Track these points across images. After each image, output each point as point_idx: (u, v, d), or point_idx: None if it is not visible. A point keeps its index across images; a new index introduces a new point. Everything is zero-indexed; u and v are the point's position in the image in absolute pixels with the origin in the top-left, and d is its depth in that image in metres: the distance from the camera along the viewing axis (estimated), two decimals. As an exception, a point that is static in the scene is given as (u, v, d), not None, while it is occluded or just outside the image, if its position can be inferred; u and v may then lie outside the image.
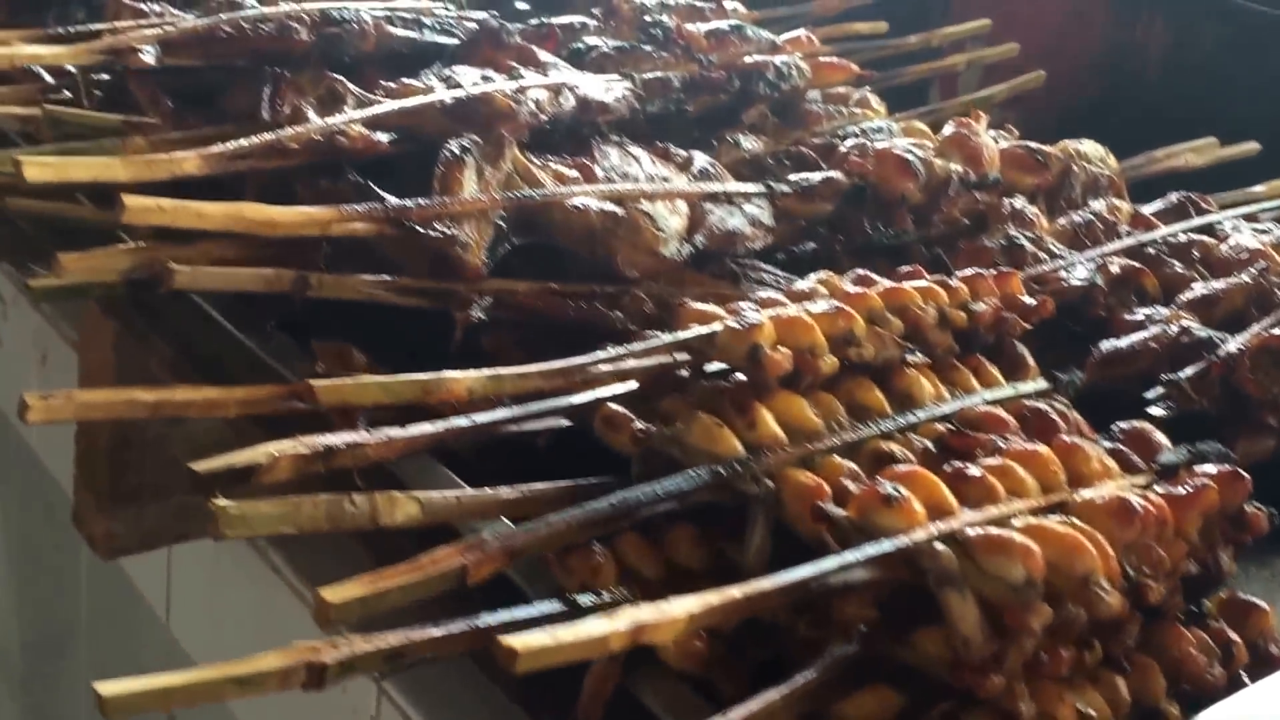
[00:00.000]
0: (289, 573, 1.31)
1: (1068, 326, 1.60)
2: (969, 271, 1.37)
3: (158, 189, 1.38)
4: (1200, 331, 1.49)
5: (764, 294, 1.30)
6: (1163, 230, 1.76)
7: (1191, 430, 1.39)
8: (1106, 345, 1.51)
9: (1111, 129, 2.64)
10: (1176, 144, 2.25)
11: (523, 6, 2.79)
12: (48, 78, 1.77)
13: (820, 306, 1.22)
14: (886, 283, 1.33)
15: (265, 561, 1.35)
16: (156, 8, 1.90)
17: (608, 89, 1.76)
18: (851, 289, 1.28)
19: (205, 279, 1.32)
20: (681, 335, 1.18)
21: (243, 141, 1.44)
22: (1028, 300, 1.38)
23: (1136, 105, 2.68)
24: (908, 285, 1.29)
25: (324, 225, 1.37)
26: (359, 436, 1.03)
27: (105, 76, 1.74)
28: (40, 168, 1.31)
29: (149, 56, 1.65)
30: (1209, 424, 1.43)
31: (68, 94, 1.74)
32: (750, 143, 2.07)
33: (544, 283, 1.46)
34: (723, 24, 2.24)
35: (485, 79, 1.69)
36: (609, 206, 1.51)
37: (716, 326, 1.17)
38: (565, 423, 1.18)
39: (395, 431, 1.06)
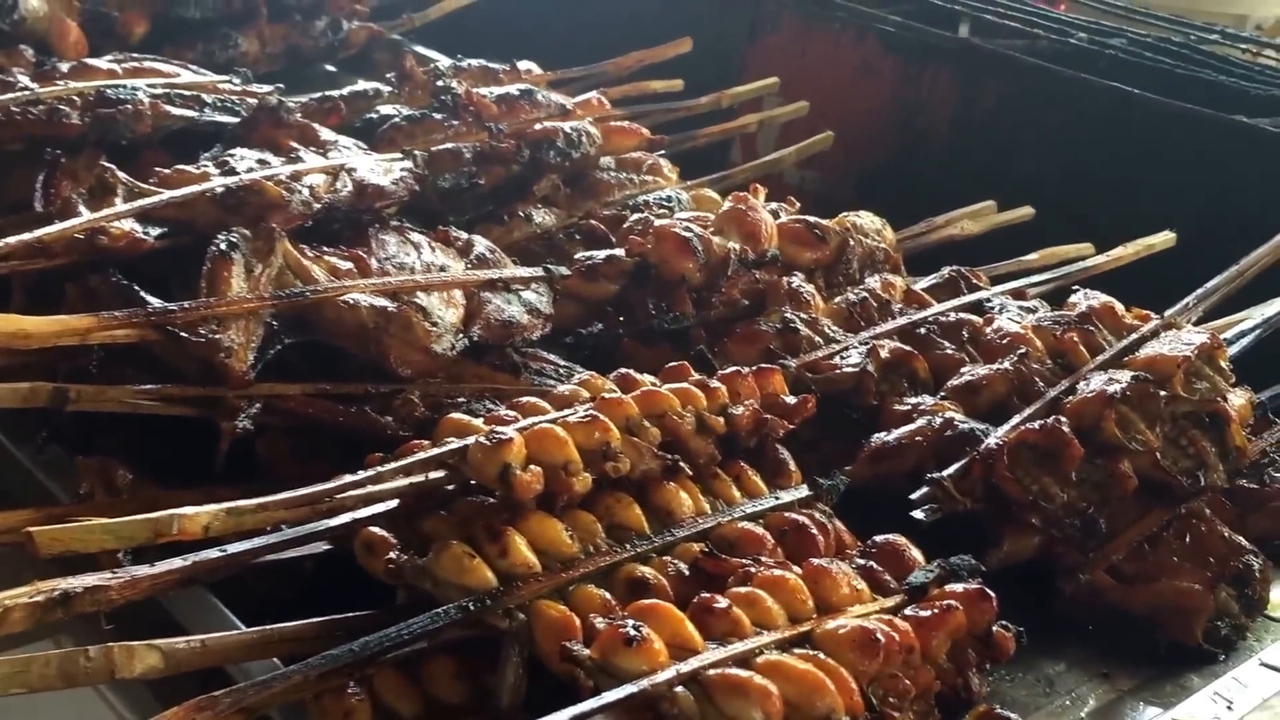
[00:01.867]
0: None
1: (845, 413, 1.64)
2: (729, 370, 1.40)
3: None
4: (964, 424, 1.54)
5: (525, 399, 1.31)
6: (933, 309, 1.81)
7: (961, 527, 1.44)
8: (875, 440, 1.55)
9: (906, 189, 2.72)
10: (964, 205, 2.32)
11: (331, 69, 2.79)
12: None
13: (575, 416, 1.23)
14: (648, 380, 1.35)
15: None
16: None
17: (386, 171, 1.75)
18: (611, 393, 1.30)
19: (-42, 397, 1.28)
20: (434, 452, 1.19)
21: (2, 244, 1.41)
22: (789, 400, 1.41)
23: (928, 164, 2.76)
24: (665, 388, 1.31)
25: (83, 334, 1.34)
26: (99, 579, 1.02)
27: None
28: None
29: (-92, 149, 1.60)
30: (976, 521, 1.47)
31: None
32: (541, 216, 2.09)
33: (317, 384, 1.45)
34: (513, 89, 2.26)
35: (262, 163, 1.68)
36: (381, 302, 1.50)
37: (470, 441, 1.18)
38: (326, 547, 1.17)
39: (140, 570, 1.04)
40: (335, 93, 2.14)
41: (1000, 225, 2.28)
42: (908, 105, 2.83)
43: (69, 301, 1.47)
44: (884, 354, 1.68)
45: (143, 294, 1.42)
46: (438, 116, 2.12)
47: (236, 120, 1.85)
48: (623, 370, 1.38)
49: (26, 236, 1.43)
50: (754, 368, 1.43)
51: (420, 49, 2.92)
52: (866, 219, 2.03)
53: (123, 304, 1.40)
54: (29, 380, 1.34)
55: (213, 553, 1.10)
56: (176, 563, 1.07)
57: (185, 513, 1.05)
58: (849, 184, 2.80)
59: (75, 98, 1.73)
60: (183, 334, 1.37)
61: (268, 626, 1.07)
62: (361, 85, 2.25)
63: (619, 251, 1.85)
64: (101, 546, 1.04)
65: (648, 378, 1.38)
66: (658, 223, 1.84)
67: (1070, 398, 1.57)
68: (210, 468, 1.39)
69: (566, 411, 1.26)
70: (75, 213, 1.51)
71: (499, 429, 1.18)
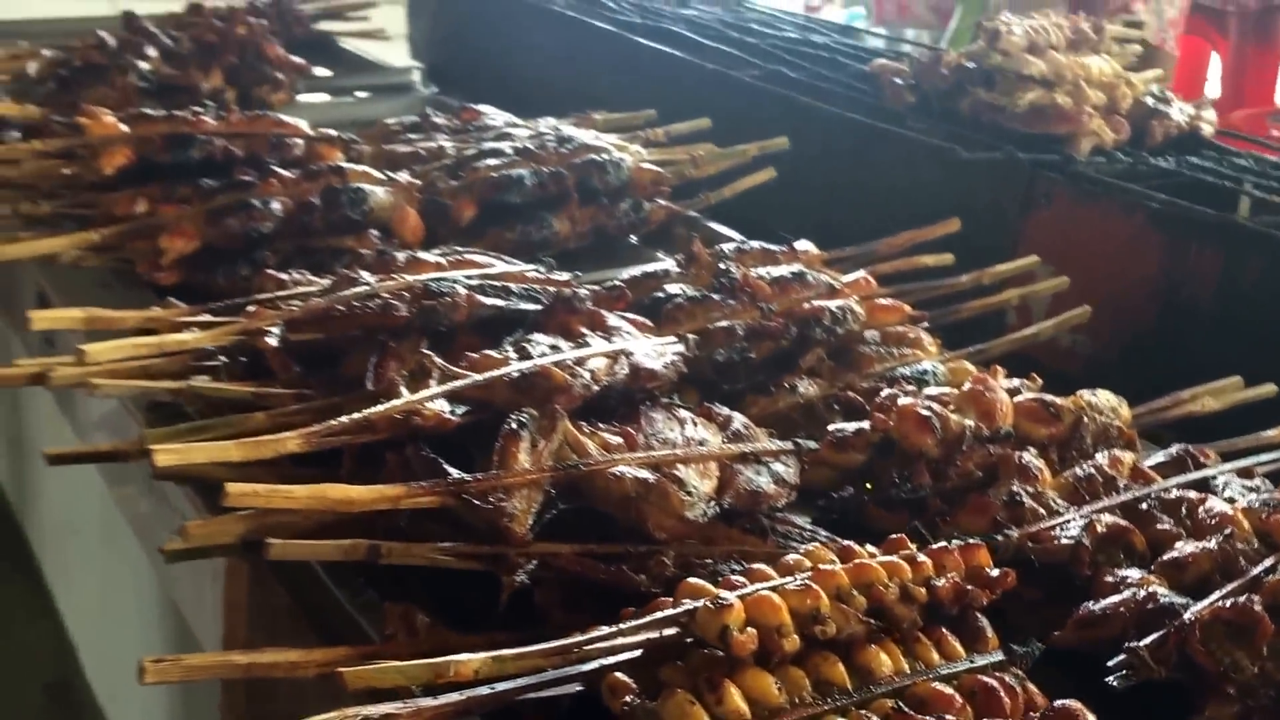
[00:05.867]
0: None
1: (1070, 581, 1.80)
2: (937, 546, 1.59)
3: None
4: (1165, 597, 1.67)
5: (756, 566, 1.53)
6: (1156, 486, 1.95)
7: (1162, 694, 1.57)
8: (1084, 608, 1.71)
9: (1168, 357, 2.82)
10: (1227, 375, 2.43)
11: (634, 241, 3.12)
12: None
13: (793, 584, 1.45)
14: (868, 550, 1.56)
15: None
16: (297, 276, 2.24)
17: (660, 355, 2.02)
18: (828, 565, 1.51)
19: (294, 550, 1.60)
20: (670, 612, 1.43)
21: (335, 421, 1.74)
22: (992, 572, 1.59)
23: (1191, 335, 2.84)
24: (876, 561, 1.51)
25: (394, 500, 1.64)
26: (393, 707, 1.29)
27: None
28: (167, 454, 1.62)
29: (273, 339, 1.97)
30: (1176, 689, 1.61)
31: (223, 358, 2.05)
32: (806, 386, 2.32)
33: (584, 544, 1.71)
34: (786, 271, 2.51)
35: (554, 347, 1.97)
36: (643, 473, 1.76)
37: (699, 604, 1.41)
38: (579, 688, 1.42)
39: (425, 702, 1.31)
40: (626, 275, 2.44)
41: (1244, 402, 2.37)
42: (1173, 278, 2.93)
43: (388, 468, 1.78)
44: (1100, 528, 1.83)
45: (445, 466, 1.71)
46: (716, 296, 2.37)
47: (538, 307, 2.16)
48: (845, 544, 1.59)
49: (356, 416, 1.75)
50: (960, 543, 1.61)
51: (715, 225, 3.22)
52: (1103, 397, 2.18)
53: (429, 474, 1.70)
54: (352, 534, 1.66)
55: (483, 690, 1.36)
56: (454, 696, 1.34)
57: (460, 659, 1.32)
58: (1115, 349, 2.92)
59: (405, 292, 2.06)
60: (474, 501, 1.66)
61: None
62: (652, 266, 2.53)
63: (867, 425, 2.06)
64: (394, 684, 1.31)
65: (869, 548, 1.59)
66: (901, 401, 2.04)
67: (1271, 577, 1.69)
68: (493, 616, 1.66)
69: (787, 579, 1.48)
70: (397, 393, 1.83)
71: (724, 594, 1.41)
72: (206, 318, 2.14)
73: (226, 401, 1.94)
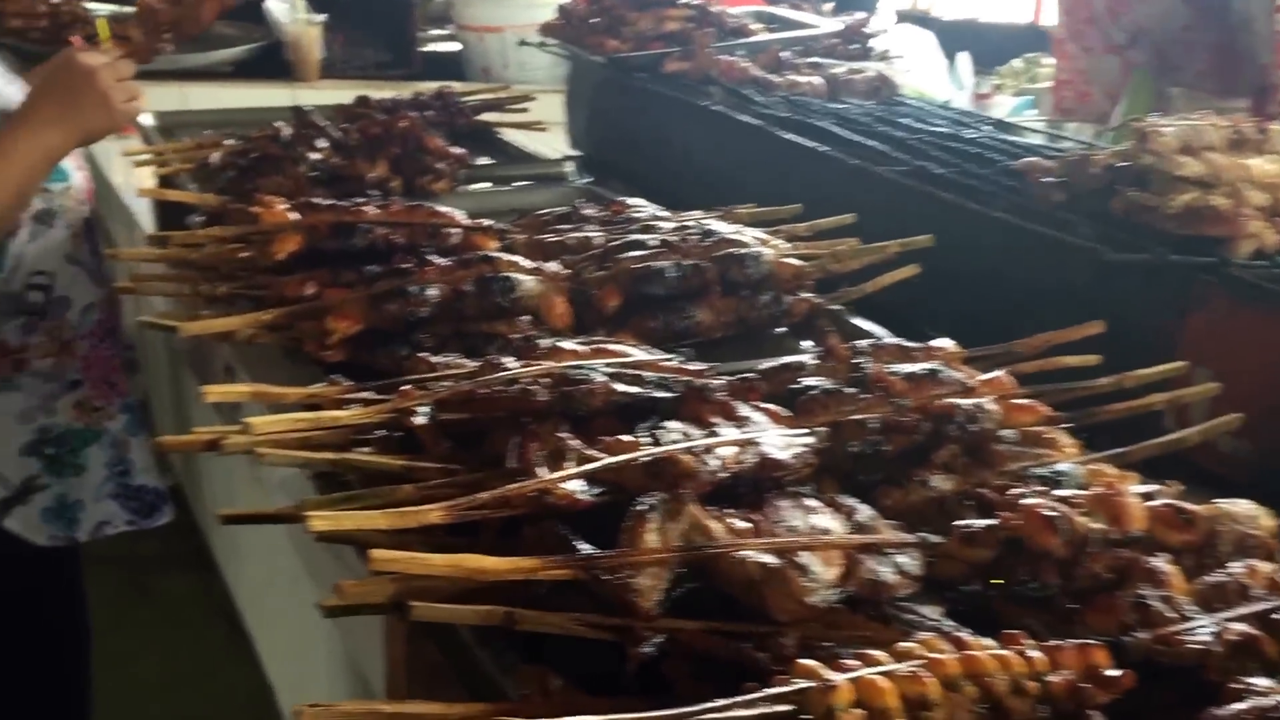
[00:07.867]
0: None
1: (1206, 687, 1.78)
2: (1052, 643, 1.61)
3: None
4: (1288, 706, 1.67)
5: (871, 651, 1.57)
6: (1291, 597, 1.93)
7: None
8: (1207, 714, 1.69)
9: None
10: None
11: (782, 330, 3.17)
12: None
13: (903, 670, 1.49)
14: (984, 643, 1.58)
15: None
16: (448, 359, 2.35)
17: (788, 446, 2.07)
18: (940, 653, 1.54)
19: (435, 613, 1.69)
20: (782, 690, 1.47)
21: (475, 497, 1.82)
22: (1110, 673, 1.60)
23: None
24: (988, 654, 1.54)
25: (529, 572, 1.72)
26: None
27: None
28: (320, 520, 1.73)
29: (421, 418, 2.07)
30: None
31: (381, 432, 2.18)
32: (939, 481, 2.34)
33: (709, 622, 1.77)
34: (919, 368, 2.54)
35: (685, 435, 2.04)
36: (766, 558, 1.81)
37: (809, 685, 1.46)
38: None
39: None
40: (764, 366, 2.49)
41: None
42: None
43: (526, 541, 1.86)
44: (1230, 635, 1.82)
45: (575, 543, 1.78)
46: (850, 390, 2.42)
47: (671, 395, 2.23)
48: (960, 635, 1.62)
49: (496, 492, 1.83)
50: (1078, 643, 1.63)
51: (858, 320, 3.26)
52: (1242, 507, 2.15)
53: (562, 549, 1.78)
54: (495, 601, 1.74)
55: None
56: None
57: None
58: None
59: (545, 378, 2.15)
60: (603, 576, 1.73)
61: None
62: (790, 359, 2.58)
63: (996, 522, 2.08)
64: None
65: (986, 641, 1.61)
66: (1026, 501, 2.06)
67: (1400, 697, 1.67)
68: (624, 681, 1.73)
69: (898, 665, 1.51)
70: (534, 473, 1.91)
71: (833, 676, 1.45)
72: (365, 395, 2.26)
73: (381, 473, 2.05)
